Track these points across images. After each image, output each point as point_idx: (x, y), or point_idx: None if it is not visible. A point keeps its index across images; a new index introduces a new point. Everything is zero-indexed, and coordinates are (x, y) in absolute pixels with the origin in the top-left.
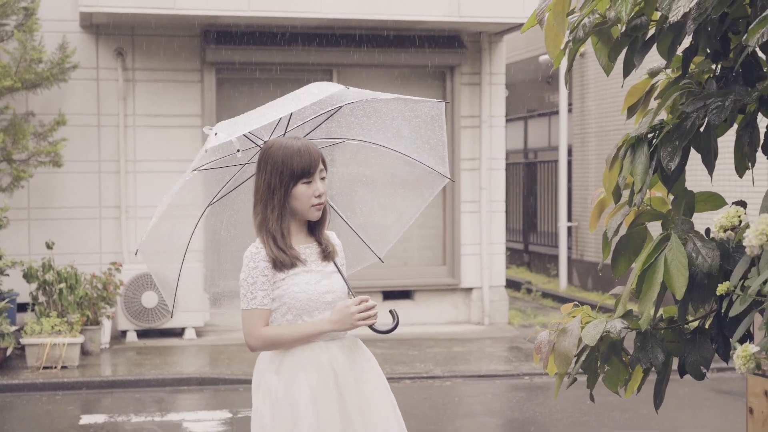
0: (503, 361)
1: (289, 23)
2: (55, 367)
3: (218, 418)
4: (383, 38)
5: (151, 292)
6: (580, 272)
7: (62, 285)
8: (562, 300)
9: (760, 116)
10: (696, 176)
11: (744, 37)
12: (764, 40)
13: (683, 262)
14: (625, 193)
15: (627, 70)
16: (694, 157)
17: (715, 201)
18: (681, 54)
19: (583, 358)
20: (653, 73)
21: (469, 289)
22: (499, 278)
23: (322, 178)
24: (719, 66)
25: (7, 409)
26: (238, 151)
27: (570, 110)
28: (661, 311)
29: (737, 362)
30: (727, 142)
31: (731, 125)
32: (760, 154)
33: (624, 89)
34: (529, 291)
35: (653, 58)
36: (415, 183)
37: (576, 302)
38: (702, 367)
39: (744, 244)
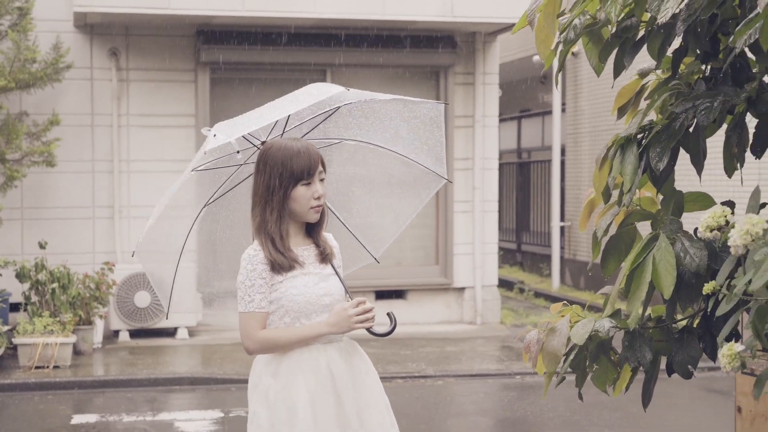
0: (495, 361)
1: (283, 23)
2: (48, 367)
3: (210, 418)
4: (377, 38)
5: (143, 291)
6: (572, 272)
7: (55, 285)
8: (555, 299)
9: (749, 116)
10: (687, 176)
11: (731, 39)
12: (752, 41)
13: (671, 262)
14: (615, 193)
15: (617, 71)
16: (685, 158)
17: (704, 201)
18: (671, 55)
19: (571, 357)
20: (643, 74)
21: (462, 289)
22: (491, 278)
23: (321, 180)
24: (709, 67)
25: None
26: (238, 152)
27: (563, 110)
28: (649, 310)
29: (722, 361)
30: (716, 143)
31: (720, 126)
32: (749, 155)
33: (615, 89)
34: (521, 290)
35: (644, 59)
36: (412, 183)
37: (565, 302)
38: (689, 366)
39: (729, 243)
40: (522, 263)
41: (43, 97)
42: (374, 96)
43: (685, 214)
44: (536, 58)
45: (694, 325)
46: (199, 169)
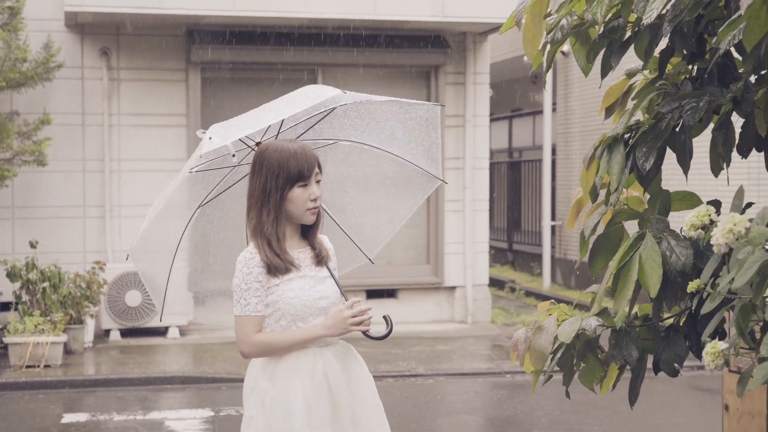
0: (486, 360)
1: (274, 23)
2: (38, 366)
3: (200, 417)
4: (368, 38)
5: (134, 291)
6: (563, 271)
7: (46, 284)
8: (546, 298)
9: (735, 116)
10: (676, 175)
11: (714, 40)
12: (735, 42)
13: (657, 261)
14: (602, 193)
15: (604, 72)
16: (673, 157)
17: (691, 200)
18: (658, 55)
19: (558, 355)
20: (631, 74)
21: (453, 288)
22: (482, 277)
23: (318, 182)
24: (695, 67)
25: None
26: (233, 155)
27: (554, 110)
28: (636, 309)
29: (706, 359)
30: (704, 142)
31: (707, 126)
32: (735, 154)
33: (605, 89)
34: (512, 290)
35: (631, 59)
36: (407, 184)
37: (553, 300)
38: (676, 364)
39: (712, 242)
40: (513, 262)
41: (34, 96)
42: (370, 98)
43: (672, 213)
44: (527, 58)
45: (681, 324)
46: (194, 170)
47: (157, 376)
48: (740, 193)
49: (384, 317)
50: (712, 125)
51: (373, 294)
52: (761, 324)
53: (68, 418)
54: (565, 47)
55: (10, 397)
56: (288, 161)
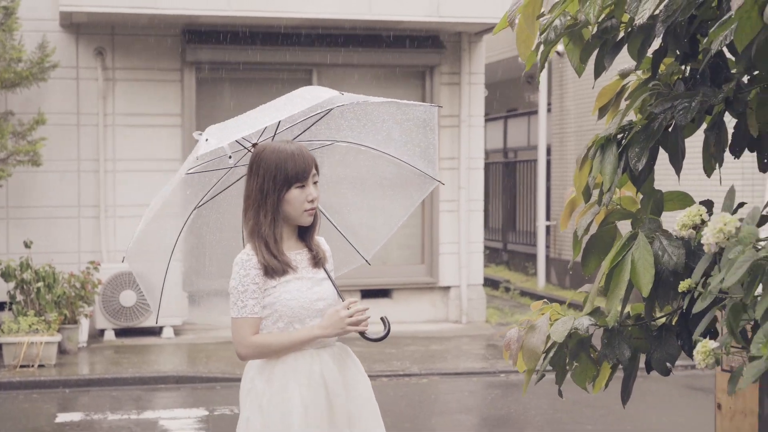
0: (480, 359)
1: (270, 23)
2: (33, 366)
3: (194, 416)
4: (363, 38)
5: (129, 291)
6: (558, 271)
7: (40, 284)
8: (540, 298)
9: (728, 116)
10: (670, 175)
11: (705, 40)
12: (727, 42)
13: (649, 261)
14: (595, 193)
15: (598, 72)
16: (667, 157)
17: (683, 200)
18: (651, 56)
19: (551, 354)
20: (624, 75)
21: (447, 288)
22: (477, 277)
23: (315, 183)
24: (688, 67)
25: None
26: (230, 157)
27: (549, 110)
28: (629, 308)
29: (697, 358)
30: (698, 142)
31: (700, 126)
32: (728, 154)
33: (599, 89)
34: (507, 289)
35: (625, 60)
36: (403, 185)
37: (546, 300)
38: (667, 363)
39: (702, 242)
40: (508, 262)
41: (29, 96)
42: (367, 99)
43: (666, 213)
44: (521, 58)
45: (673, 323)
46: (191, 172)
47: (151, 376)
48: (731, 193)
49: (381, 319)
50: (705, 125)
51: (367, 294)
52: (752, 323)
53: (62, 417)
54: (560, 47)
55: (4, 396)
56: (285, 162)
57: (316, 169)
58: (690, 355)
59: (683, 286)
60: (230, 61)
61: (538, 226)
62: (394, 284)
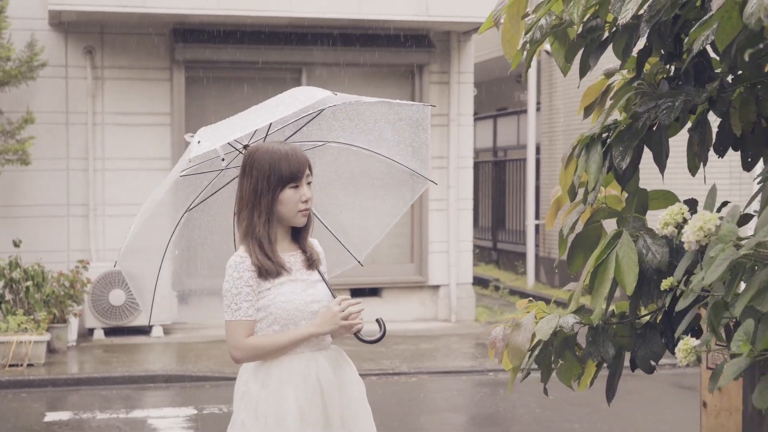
0: (469, 358)
1: (259, 22)
2: (21, 365)
3: (183, 415)
4: (352, 37)
5: (118, 290)
6: (547, 269)
7: (29, 283)
8: (530, 297)
9: (713, 116)
10: (657, 174)
11: (686, 40)
12: (709, 42)
13: (633, 259)
14: (581, 192)
15: (583, 71)
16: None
17: (668, 199)
18: (636, 55)
19: (536, 352)
20: (609, 74)
21: (437, 287)
22: (466, 276)
23: (309, 183)
24: (672, 67)
25: None
26: (223, 159)
27: (538, 109)
28: (613, 306)
29: (679, 355)
30: (685, 141)
31: (684, 125)
32: (712, 153)
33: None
34: (496, 288)
35: (612, 59)
36: (396, 185)
37: (531, 298)
38: (651, 361)
39: (683, 240)
40: (498, 261)
41: (18, 95)
42: (360, 99)
43: (652, 212)
44: (506, 57)
45: (657, 321)
46: (183, 174)
47: (140, 375)
48: (713, 191)
49: (377, 320)
50: (689, 125)
51: (357, 293)
52: (734, 321)
53: (51, 416)
54: (549, 46)
55: None
56: (279, 162)
57: (310, 169)
58: (673, 353)
59: (665, 284)
60: (219, 60)
61: (528, 225)
62: (384, 283)
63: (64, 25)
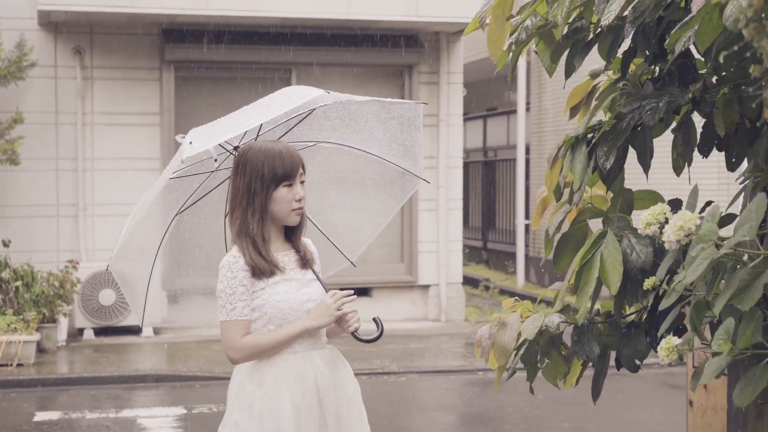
0: (458, 357)
1: (248, 22)
2: (11, 365)
3: (173, 414)
4: (342, 37)
5: (108, 289)
6: (537, 269)
7: (18, 283)
8: (520, 297)
9: (698, 116)
10: (646, 174)
11: (667, 42)
12: (690, 44)
13: (618, 259)
14: (566, 192)
15: (568, 72)
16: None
17: (654, 199)
18: (621, 56)
19: (521, 351)
20: (594, 75)
21: (427, 286)
22: (456, 275)
23: (302, 182)
24: (657, 68)
25: None
26: (215, 160)
27: (528, 109)
28: (599, 306)
29: (661, 354)
30: (670, 141)
31: (669, 125)
32: (701, 153)
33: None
34: (487, 288)
35: (598, 60)
36: (387, 185)
37: (517, 297)
38: (636, 360)
39: (663, 239)
40: (488, 261)
41: (7, 95)
42: (352, 98)
43: (637, 212)
44: (492, 58)
45: (642, 320)
46: (175, 176)
47: (130, 375)
48: (695, 192)
49: (374, 319)
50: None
51: None
52: (717, 320)
53: (40, 416)
54: (526, 49)
55: None
56: (273, 160)
57: (303, 168)
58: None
59: (648, 283)
60: (209, 60)
61: (518, 224)
62: (374, 283)
63: (54, 25)
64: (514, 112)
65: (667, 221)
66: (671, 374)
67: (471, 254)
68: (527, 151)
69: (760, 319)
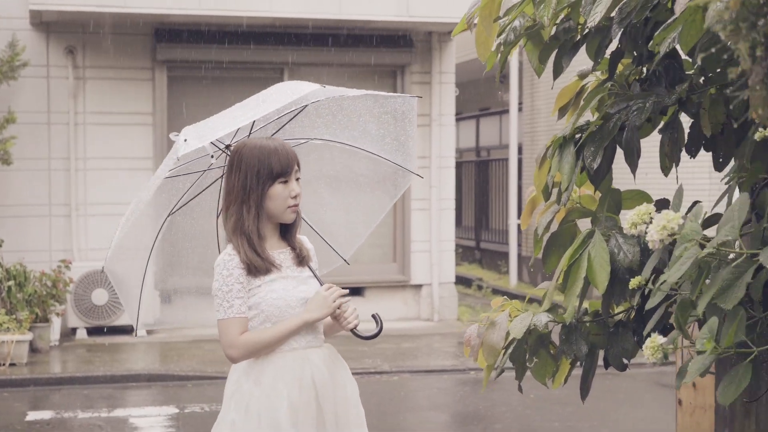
0: (451, 357)
1: (240, 22)
2: (3, 365)
3: (165, 414)
4: (334, 37)
5: (101, 289)
6: (529, 269)
7: (11, 282)
8: (513, 296)
9: (685, 116)
10: (638, 175)
11: (650, 43)
12: (675, 45)
13: (605, 258)
14: (555, 192)
15: (556, 73)
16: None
17: (642, 198)
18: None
19: (510, 350)
20: (583, 75)
21: (419, 286)
22: (448, 275)
23: (297, 179)
24: (645, 68)
25: None
26: (212, 156)
27: (520, 109)
28: (587, 305)
29: (646, 353)
30: (657, 142)
31: (657, 126)
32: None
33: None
34: (479, 287)
35: (587, 60)
36: (381, 181)
37: (506, 297)
38: (623, 359)
39: (647, 239)
40: (481, 261)
41: None
42: (345, 92)
43: (625, 212)
44: (480, 59)
45: (630, 319)
46: (170, 174)
47: (123, 374)
48: (679, 192)
49: (373, 316)
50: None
51: None
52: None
53: (33, 416)
54: (514, 50)
55: None
56: (269, 157)
57: (298, 165)
58: None
59: (633, 283)
60: (201, 60)
61: (510, 224)
62: (367, 282)
63: (46, 24)
64: (507, 112)
65: (652, 221)
66: (662, 373)
67: (464, 254)
68: (520, 150)
69: (744, 318)
